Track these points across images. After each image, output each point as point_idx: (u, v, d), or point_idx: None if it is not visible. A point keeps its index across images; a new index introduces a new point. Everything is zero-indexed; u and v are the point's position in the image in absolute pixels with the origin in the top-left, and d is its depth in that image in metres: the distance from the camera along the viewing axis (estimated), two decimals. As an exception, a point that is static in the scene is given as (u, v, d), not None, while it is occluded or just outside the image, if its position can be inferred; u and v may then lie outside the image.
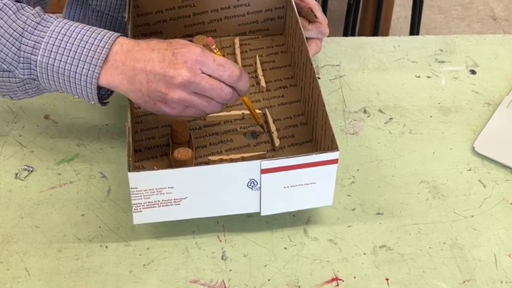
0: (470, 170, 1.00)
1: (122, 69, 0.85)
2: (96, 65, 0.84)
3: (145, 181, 0.82)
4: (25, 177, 0.96)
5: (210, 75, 0.85)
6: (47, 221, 0.91)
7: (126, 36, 0.95)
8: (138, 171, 0.82)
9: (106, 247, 0.88)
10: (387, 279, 0.86)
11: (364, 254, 0.89)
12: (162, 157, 0.95)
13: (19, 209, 0.92)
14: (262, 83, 1.06)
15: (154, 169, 0.83)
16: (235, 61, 1.10)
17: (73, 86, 0.86)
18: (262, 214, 0.88)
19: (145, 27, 1.12)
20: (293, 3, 1.06)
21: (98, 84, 0.85)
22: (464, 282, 0.86)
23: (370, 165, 1.00)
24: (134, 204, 0.83)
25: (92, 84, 0.85)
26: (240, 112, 1.01)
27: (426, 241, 0.91)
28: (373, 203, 0.95)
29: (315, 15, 1.08)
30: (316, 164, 0.84)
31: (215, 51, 0.90)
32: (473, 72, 1.17)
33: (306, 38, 1.08)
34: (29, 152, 0.99)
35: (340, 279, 0.86)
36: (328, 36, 1.12)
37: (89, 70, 0.84)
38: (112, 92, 0.89)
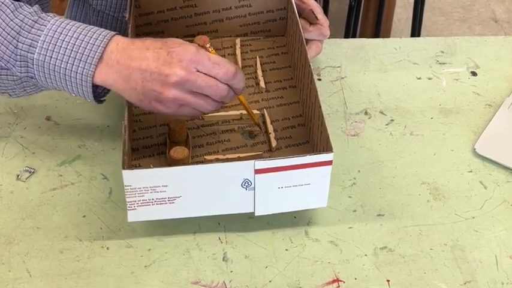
0: (471, 171, 1.00)
1: (117, 68, 0.85)
2: (91, 64, 0.84)
3: (140, 179, 0.82)
4: (26, 179, 0.96)
5: (205, 74, 0.85)
6: (49, 222, 0.91)
7: (127, 35, 0.95)
8: (132, 169, 0.83)
9: (107, 248, 0.88)
10: (388, 281, 0.86)
11: (365, 255, 0.89)
12: (159, 156, 0.96)
13: (20, 210, 0.92)
14: (262, 83, 1.06)
15: (150, 167, 0.83)
16: (236, 62, 1.10)
17: (69, 84, 0.86)
18: (256, 214, 0.88)
19: (147, 27, 1.12)
20: (294, 4, 1.06)
21: (93, 83, 0.86)
22: (465, 283, 0.86)
23: (371, 166, 1.00)
24: (128, 202, 0.84)
25: (87, 82, 0.85)
26: (238, 112, 1.01)
27: (427, 242, 0.91)
28: (374, 204, 0.95)
29: (316, 17, 1.09)
30: (310, 165, 0.84)
31: (210, 50, 0.90)
32: (474, 73, 1.17)
33: (307, 40, 1.08)
34: (31, 153, 0.99)
35: (341, 281, 0.86)
36: (329, 38, 1.12)
37: (84, 68, 0.85)
38: (109, 90, 0.90)
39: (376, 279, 0.86)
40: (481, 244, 0.91)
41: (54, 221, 0.91)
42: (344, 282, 0.86)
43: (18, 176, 0.96)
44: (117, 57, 0.85)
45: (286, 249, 0.89)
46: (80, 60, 0.85)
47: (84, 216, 0.92)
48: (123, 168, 0.81)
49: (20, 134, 1.02)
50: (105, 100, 0.91)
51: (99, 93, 0.90)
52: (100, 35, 0.85)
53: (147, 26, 1.12)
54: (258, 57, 1.12)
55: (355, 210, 0.94)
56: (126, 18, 1.01)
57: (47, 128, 1.03)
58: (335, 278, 0.86)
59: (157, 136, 0.98)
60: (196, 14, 1.12)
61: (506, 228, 0.93)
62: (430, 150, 1.03)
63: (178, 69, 0.84)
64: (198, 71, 0.85)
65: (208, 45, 0.90)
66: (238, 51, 1.12)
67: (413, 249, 0.90)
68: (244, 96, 1.04)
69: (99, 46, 0.85)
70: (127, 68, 0.85)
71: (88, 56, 0.85)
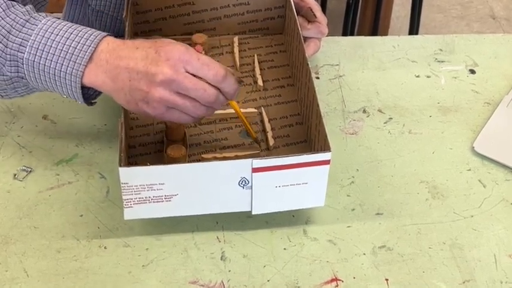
0: (470, 170, 1.00)
1: (106, 68, 0.83)
2: (80, 64, 0.83)
3: (136, 176, 0.82)
4: (23, 178, 0.96)
5: (194, 75, 0.83)
6: (46, 222, 0.90)
7: (124, 33, 0.95)
8: (129, 167, 0.82)
9: (105, 248, 0.88)
10: (387, 280, 0.86)
11: (364, 254, 0.89)
12: (156, 154, 0.95)
13: (17, 209, 0.92)
14: (260, 82, 1.06)
15: (147, 165, 0.83)
16: (234, 60, 1.10)
17: (58, 85, 0.85)
18: (253, 213, 0.87)
19: (144, 25, 1.12)
20: (292, 2, 1.06)
21: (82, 84, 0.84)
22: (464, 282, 0.86)
23: (370, 165, 1.00)
24: (125, 200, 0.83)
25: (76, 83, 0.84)
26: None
27: (426, 241, 0.90)
28: (373, 203, 0.95)
29: (314, 15, 1.08)
30: (308, 164, 0.84)
31: (202, 53, 0.88)
32: (472, 71, 1.17)
33: (305, 38, 1.08)
34: (28, 152, 0.99)
35: (340, 280, 0.86)
36: (327, 36, 1.11)
37: (73, 69, 0.83)
38: (100, 92, 0.88)
39: (374, 278, 0.86)
40: (480, 243, 0.91)
41: (51, 221, 0.91)
42: (343, 281, 0.86)
43: (15, 175, 0.96)
44: (106, 57, 0.83)
45: (285, 248, 0.89)
46: (70, 60, 0.83)
47: (81, 216, 0.91)
48: (120, 166, 0.81)
49: (17, 133, 1.02)
50: (96, 102, 0.90)
51: (91, 95, 0.89)
52: (91, 35, 0.84)
53: (144, 24, 1.11)
54: (256, 55, 1.11)
55: (353, 209, 0.94)
56: (123, 16, 1.01)
57: (44, 127, 1.03)
58: (333, 277, 0.86)
59: (154, 134, 0.98)
60: (194, 12, 1.12)
61: (505, 226, 0.93)
62: (428, 148, 1.03)
63: (165, 67, 0.81)
64: (186, 72, 0.82)
65: (201, 51, 0.89)
66: (236, 50, 1.11)
67: (412, 248, 0.90)
68: (242, 96, 1.04)
69: (89, 46, 0.83)
70: (115, 68, 0.83)
71: (78, 56, 0.83)
